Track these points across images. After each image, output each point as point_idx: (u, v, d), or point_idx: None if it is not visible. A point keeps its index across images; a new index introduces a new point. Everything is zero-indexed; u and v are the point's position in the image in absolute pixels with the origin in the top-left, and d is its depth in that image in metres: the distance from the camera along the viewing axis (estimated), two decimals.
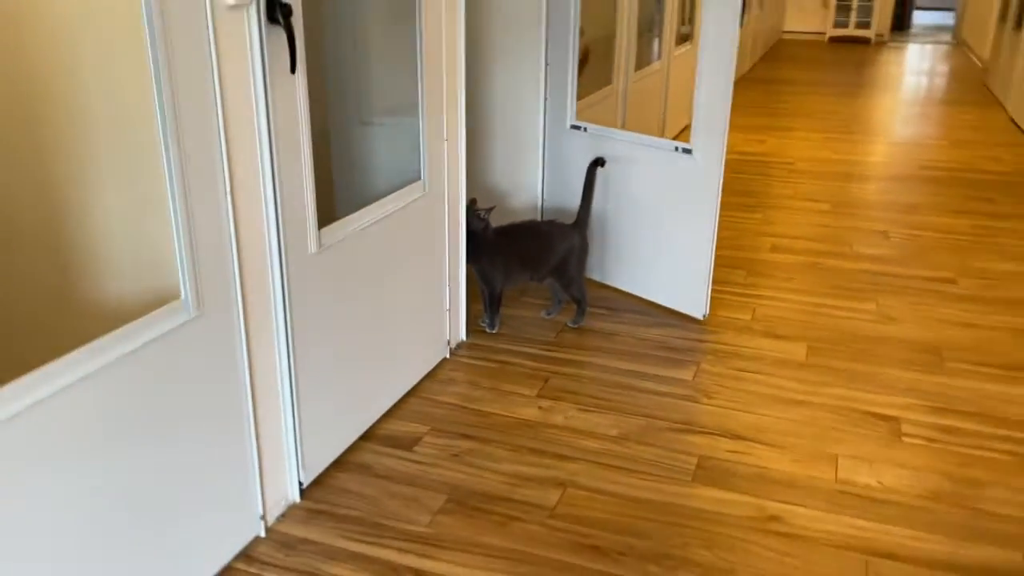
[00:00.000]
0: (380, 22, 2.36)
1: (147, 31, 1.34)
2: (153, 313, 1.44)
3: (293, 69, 1.64)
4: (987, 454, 2.10)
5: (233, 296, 1.60)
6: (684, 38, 5.48)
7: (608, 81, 3.92)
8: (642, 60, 4.47)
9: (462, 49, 2.34)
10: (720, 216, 2.66)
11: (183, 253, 1.47)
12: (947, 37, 12.41)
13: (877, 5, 11.45)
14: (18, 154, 1.59)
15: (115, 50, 1.48)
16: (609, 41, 3.95)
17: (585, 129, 2.97)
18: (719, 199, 2.63)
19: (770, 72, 8.84)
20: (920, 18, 14.64)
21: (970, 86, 8.10)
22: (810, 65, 9.44)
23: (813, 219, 3.94)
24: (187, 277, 1.48)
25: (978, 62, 9.57)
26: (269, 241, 1.69)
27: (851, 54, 10.45)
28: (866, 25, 11.52)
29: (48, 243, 1.65)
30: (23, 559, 1.27)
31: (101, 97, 1.52)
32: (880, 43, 11.59)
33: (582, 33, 3.01)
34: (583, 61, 3.07)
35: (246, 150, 1.59)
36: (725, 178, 2.61)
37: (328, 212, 1.91)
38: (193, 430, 1.56)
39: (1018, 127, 6.09)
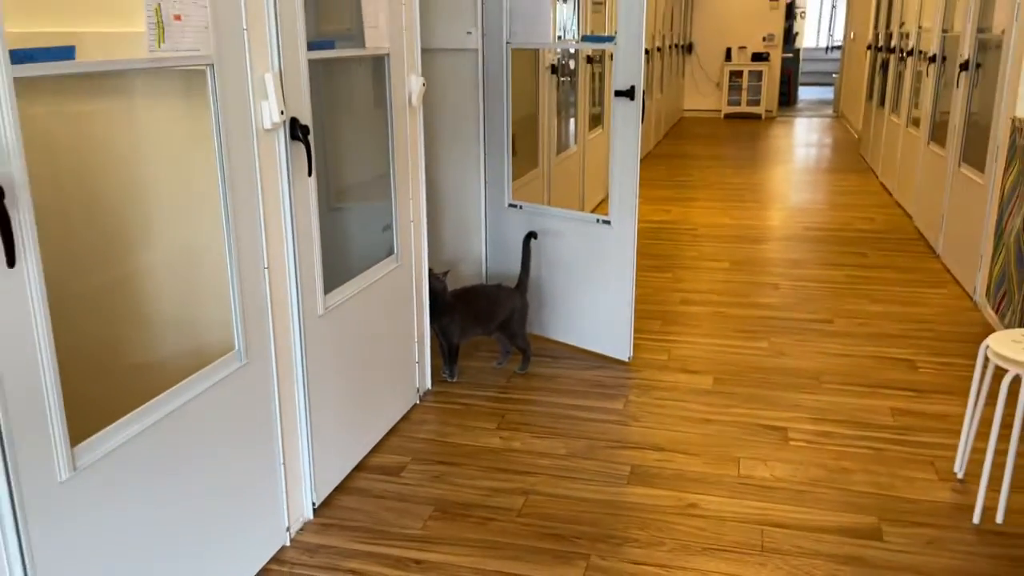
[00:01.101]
0: (343, 124, 2.89)
1: (216, 145, 1.83)
2: (216, 362, 1.89)
3: (310, 173, 2.14)
4: (853, 450, 2.68)
5: (269, 349, 2.06)
6: (596, 119, 6.17)
7: (535, 165, 4.53)
8: (561, 145, 5.12)
9: (422, 149, 2.88)
10: (636, 276, 3.24)
11: (237, 312, 1.93)
12: (829, 110, 13.72)
13: (765, 84, 12.64)
14: (101, 237, 2.04)
15: (184, 164, 1.96)
16: (534, 132, 4.58)
17: (521, 207, 3.53)
18: (635, 261, 3.21)
19: (673, 148, 9.73)
20: (805, 93, 16.07)
21: (848, 155, 9.11)
22: (708, 140, 10.39)
23: (715, 276, 4.58)
24: (240, 331, 1.94)
25: (854, 133, 10.71)
26: (291, 304, 2.15)
27: (744, 128, 11.51)
28: (756, 103, 12.69)
29: (107, 307, 2.08)
30: (102, 565, 1.68)
31: (178, 197, 1.99)
32: (770, 118, 12.76)
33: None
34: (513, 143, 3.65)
35: (276, 232, 2.07)
36: (638, 244, 3.20)
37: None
38: (237, 459, 1.99)
39: (887, 191, 6.99)
